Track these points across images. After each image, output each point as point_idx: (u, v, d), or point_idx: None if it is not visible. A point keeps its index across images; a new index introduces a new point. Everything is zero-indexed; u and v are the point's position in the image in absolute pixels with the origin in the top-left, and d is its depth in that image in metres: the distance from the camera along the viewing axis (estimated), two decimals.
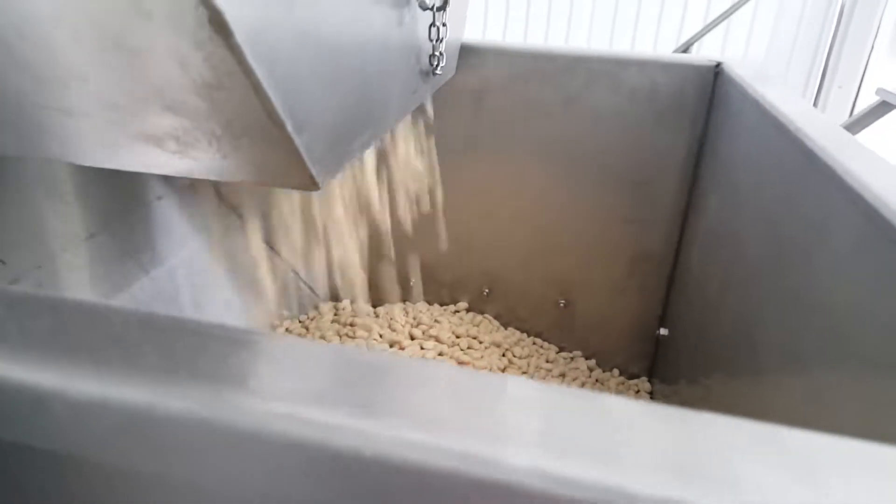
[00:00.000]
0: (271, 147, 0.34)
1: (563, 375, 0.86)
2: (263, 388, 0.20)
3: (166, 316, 0.22)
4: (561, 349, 0.91)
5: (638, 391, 0.86)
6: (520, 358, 0.88)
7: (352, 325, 0.92)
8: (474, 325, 0.92)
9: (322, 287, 0.98)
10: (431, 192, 0.86)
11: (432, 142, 0.83)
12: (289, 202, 0.91)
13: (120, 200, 0.73)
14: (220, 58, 0.27)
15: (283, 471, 0.19)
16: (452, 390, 0.20)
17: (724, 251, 0.61)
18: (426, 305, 0.95)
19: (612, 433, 0.18)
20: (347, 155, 0.42)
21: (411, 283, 0.95)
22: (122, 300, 0.66)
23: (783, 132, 0.48)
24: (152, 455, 0.20)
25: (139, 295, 0.69)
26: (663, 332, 0.81)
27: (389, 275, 0.95)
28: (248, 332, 0.22)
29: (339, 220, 0.90)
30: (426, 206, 0.87)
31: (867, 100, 1.73)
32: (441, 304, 0.96)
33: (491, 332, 0.91)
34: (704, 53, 1.92)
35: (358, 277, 0.96)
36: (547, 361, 0.89)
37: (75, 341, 0.21)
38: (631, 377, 0.88)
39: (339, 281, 0.96)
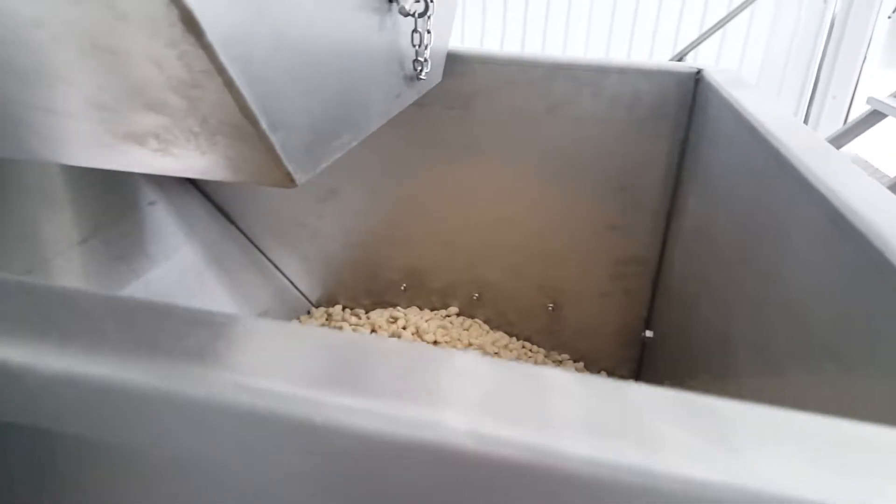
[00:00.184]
0: (247, 144, 0.35)
1: None
2: (219, 363, 0.21)
3: (131, 298, 0.23)
4: (549, 353, 0.92)
5: None
6: None
7: (342, 329, 0.93)
8: (464, 330, 0.93)
9: (314, 292, 0.99)
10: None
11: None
12: (281, 208, 0.92)
13: (112, 205, 0.75)
14: (194, 56, 0.29)
15: (237, 437, 0.20)
16: (404, 364, 0.21)
17: (703, 253, 0.62)
18: (417, 310, 0.96)
19: (545, 400, 0.19)
20: (326, 154, 0.43)
21: (402, 288, 0.96)
22: None
23: (754, 135, 0.49)
24: (118, 426, 0.21)
25: None
26: (649, 334, 0.82)
27: (381, 280, 0.96)
28: (209, 314, 0.23)
29: (331, 226, 0.91)
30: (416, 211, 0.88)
31: (860, 109, 1.74)
32: (432, 309, 0.97)
33: (480, 336, 0.92)
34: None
35: (349, 282, 0.97)
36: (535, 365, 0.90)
37: (44, 320, 0.22)
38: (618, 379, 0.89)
39: (330, 286, 0.97)
